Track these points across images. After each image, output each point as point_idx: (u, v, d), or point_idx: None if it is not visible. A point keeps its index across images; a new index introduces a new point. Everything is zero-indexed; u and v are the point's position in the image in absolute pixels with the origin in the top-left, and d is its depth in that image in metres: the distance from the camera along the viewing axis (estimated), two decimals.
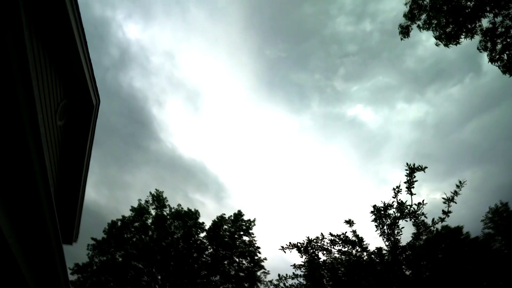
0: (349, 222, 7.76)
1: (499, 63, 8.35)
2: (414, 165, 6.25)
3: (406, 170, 6.41)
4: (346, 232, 7.60)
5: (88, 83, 6.32)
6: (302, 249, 7.65)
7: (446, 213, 6.00)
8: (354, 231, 7.64)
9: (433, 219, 6.28)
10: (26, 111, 2.32)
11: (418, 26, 9.00)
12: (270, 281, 8.09)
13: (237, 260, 21.54)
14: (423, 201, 6.29)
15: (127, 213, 21.01)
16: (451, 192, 6.01)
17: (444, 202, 5.98)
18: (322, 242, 7.58)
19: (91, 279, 18.46)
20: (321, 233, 7.65)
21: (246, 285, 20.70)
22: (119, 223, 20.61)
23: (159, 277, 20.36)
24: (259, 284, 21.41)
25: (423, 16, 8.74)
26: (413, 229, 7.08)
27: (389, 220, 6.76)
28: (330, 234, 7.57)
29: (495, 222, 29.42)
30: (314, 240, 7.68)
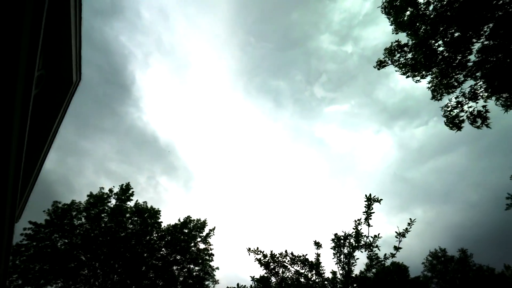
0: (317, 244, 7.98)
1: (447, 117, 9.30)
2: (370, 195, 6.70)
3: (365, 201, 6.82)
4: (306, 254, 7.83)
5: (73, 59, 6.00)
6: (264, 262, 7.70)
7: (397, 249, 6.44)
8: (318, 255, 7.86)
9: (385, 254, 6.70)
10: None
11: (394, 65, 9.90)
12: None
13: (188, 266, 20.86)
14: (378, 234, 6.74)
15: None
16: (403, 229, 6.52)
17: (396, 237, 6.44)
18: (284, 259, 7.70)
19: (26, 264, 16.71)
20: (285, 250, 7.78)
21: None
22: (76, 206, 19.03)
23: (101, 273, 19.00)
24: None
25: (402, 59, 9.63)
26: (366, 260, 7.45)
27: (346, 250, 7.07)
28: (292, 254, 7.73)
29: (433, 265, 31.97)
30: (277, 256, 7.79)
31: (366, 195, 6.73)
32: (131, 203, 20.73)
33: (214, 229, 22.31)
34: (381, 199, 6.66)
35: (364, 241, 6.77)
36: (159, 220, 21.46)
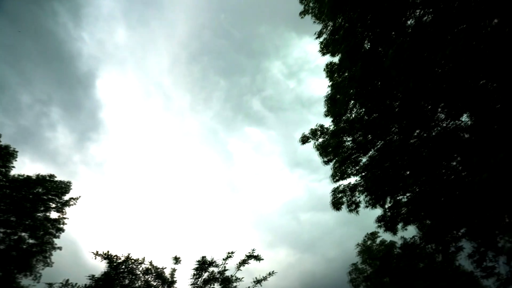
0: (176, 259, 7.87)
1: (334, 198, 11.44)
2: (257, 255, 7.41)
3: (248, 254, 7.43)
4: (165, 268, 7.58)
5: None
6: (113, 263, 7.03)
7: None
8: (173, 270, 7.75)
9: None
10: None
11: (314, 146, 11.60)
12: (62, 283, 6.94)
13: (21, 234, 16.81)
14: (242, 277, 7.31)
15: None
16: (262, 276, 7.22)
17: (254, 282, 7.04)
18: (140, 266, 7.25)
19: None
20: (143, 257, 7.35)
21: (11, 268, 16.06)
22: None
23: None
24: (31, 271, 17.09)
25: (320, 140, 11.42)
26: None
27: (206, 276, 7.15)
28: (150, 263, 7.32)
29: None
30: (133, 260, 7.24)
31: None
32: None
33: (78, 198, 19.05)
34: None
35: (225, 276, 7.05)
36: (11, 165, 17.18)
